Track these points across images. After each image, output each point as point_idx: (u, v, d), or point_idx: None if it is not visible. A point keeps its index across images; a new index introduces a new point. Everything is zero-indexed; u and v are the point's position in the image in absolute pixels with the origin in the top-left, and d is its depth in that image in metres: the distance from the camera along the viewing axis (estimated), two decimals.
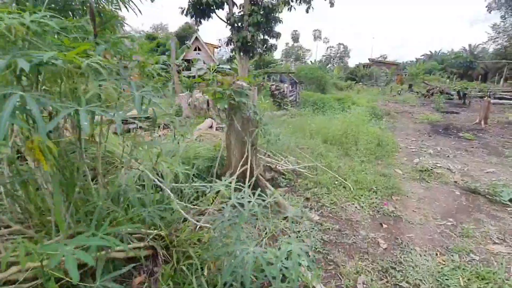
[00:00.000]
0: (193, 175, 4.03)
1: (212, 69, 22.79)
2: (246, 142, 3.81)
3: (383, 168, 5.38)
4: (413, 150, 6.94)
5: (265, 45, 14.59)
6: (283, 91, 12.12)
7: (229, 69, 21.88)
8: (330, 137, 7.09)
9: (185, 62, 27.22)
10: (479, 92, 25.34)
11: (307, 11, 13.75)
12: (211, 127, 8.75)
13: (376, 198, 3.94)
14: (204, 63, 26.73)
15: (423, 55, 69.53)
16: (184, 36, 42.64)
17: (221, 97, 3.67)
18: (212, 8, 12.90)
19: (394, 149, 6.84)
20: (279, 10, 12.76)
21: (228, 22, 13.06)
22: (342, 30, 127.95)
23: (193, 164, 4.18)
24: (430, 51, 69.46)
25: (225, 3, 13.03)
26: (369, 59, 46.70)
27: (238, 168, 3.85)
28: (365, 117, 10.06)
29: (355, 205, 3.73)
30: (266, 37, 14.57)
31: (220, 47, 39.50)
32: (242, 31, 12.62)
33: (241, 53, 13.97)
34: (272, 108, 12.71)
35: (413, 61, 65.17)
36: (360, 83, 36.49)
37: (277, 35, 14.72)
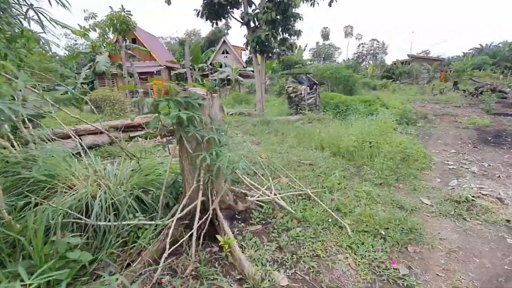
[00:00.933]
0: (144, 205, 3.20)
1: (235, 71, 22.15)
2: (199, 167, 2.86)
3: (404, 195, 4.07)
4: (451, 166, 5.42)
5: (284, 45, 13.49)
6: (300, 94, 10.94)
7: (252, 71, 21.04)
8: (343, 149, 5.85)
9: (212, 66, 26.89)
10: None
11: (329, 5, 12.39)
12: None
13: (383, 249, 2.74)
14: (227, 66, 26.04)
15: (471, 49, 62.52)
16: (214, 40, 42.85)
17: (167, 110, 2.77)
18: (226, 8, 12.14)
19: (425, 165, 5.40)
20: (296, 5, 11.58)
21: (243, 21, 12.19)
22: (377, 26, 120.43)
23: (147, 191, 3.35)
24: (481, 45, 62.12)
25: (241, 2, 12.21)
26: (408, 55, 42.91)
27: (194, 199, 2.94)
28: (393, 122, 8.56)
29: (348, 261, 2.59)
30: (285, 35, 13.48)
31: (247, 48, 38.89)
32: (257, 30, 11.67)
33: (257, 54, 13.02)
34: (288, 112, 11.55)
35: (459, 56, 59.02)
36: (397, 82, 33.48)
37: (297, 33, 13.54)
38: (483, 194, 4.01)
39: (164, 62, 25.81)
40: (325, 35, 53.44)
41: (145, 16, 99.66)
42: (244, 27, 12.46)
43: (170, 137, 3.88)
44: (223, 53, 36.35)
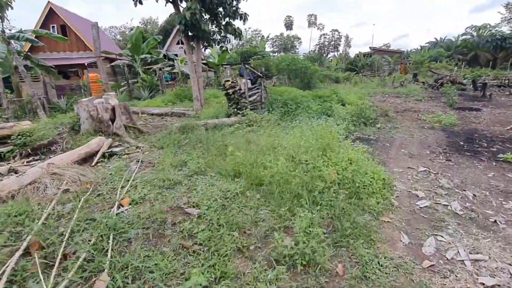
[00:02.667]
0: None
1: (181, 63, 19.36)
2: None
3: None
4: (422, 203, 3.50)
5: (227, 30, 11.13)
6: (240, 89, 8.76)
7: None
8: (265, 177, 3.74)
9: (162, 58, 23.71)
10: (494, 80, 21.45)
11: None
12: (97, 152, 5.46)
13: None
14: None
15: (428, 42, 64.37)
16: (170, 29, 39.17)
17: None
18: None
19: (385, 202, 3.44)
20: None
21: None
22: (341, 17, 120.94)
23: None
24: (435, 38, 64.14)
25: None
26: (370, 47, 42.51)
27: None
28: (345, 126, 6.70)
29: None
30: (227, 19, 11.13)
31: None
32: (184, 10, 9.18)
33: (190, 42, 10.56)
34: (228, 113, 9.29)
35: (418, 49, 60.44)
36: (359, 74, 32.59)
37: (242, 17, 11.25)
38: (479, 270, 2.07)
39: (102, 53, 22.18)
40: (289, 24, 51.06)
41: (99, 5, 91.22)
42: (170, 6, 9.91)
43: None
44: (178, 43, 33.07)
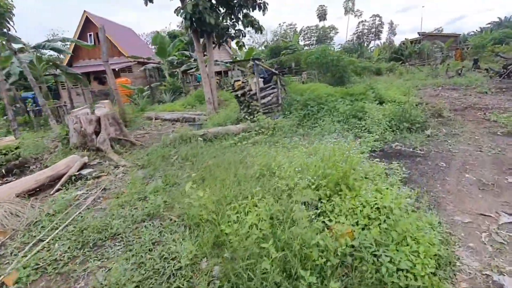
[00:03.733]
0: None
1: None
2: None
3: None
4: None
5: (242, 22, 9.74)
6: (250, 91, 7.33)
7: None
8: (228, 234, 2.31)
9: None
10: None
11: None
12: (64, 174, 4.51)
13: None
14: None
15: (489, 23, 55.32)
16: None
17: None
18: None
19: None
20: None
21: None
22: (386, 3, 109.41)
23: None
24: (499, 18, 54.85)
25: None
26: (418, 33, 37.59)
27: None
28: (380, 134, 4.92)
29: None
30: (243, 10, 9.76)
31: None
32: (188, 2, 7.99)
33: (201, 38, 9.38)
34: (239, 118, 7.91)
35: (477, 31, 52.47)
36: (406, 64, 28.78)
37: (261, 6, 9.77)
38: None
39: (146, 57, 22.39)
40: (322, 15, 47.00)
41: (144, 12, 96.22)
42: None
43: None
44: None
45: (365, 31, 45.74)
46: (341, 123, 6.66)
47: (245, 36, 9.94)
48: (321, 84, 11.75)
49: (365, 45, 41.35)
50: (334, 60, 12.74)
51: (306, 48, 30.69)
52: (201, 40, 9.60)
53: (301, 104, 7.48)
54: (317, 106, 7.29)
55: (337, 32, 46.91)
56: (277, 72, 7.68)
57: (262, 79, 7.58)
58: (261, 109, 7.38)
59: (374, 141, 5.18)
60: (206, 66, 9.78)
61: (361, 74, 20.67)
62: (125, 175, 4.78)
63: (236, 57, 20.74)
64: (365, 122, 6.21)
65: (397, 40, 45.59)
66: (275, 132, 6.52)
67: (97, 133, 5.78)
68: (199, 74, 25.81)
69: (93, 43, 22.51)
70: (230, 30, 9.77)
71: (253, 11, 9.97)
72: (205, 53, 10.53)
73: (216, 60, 24.90)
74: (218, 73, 21.23)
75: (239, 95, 7.54)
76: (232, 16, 9.83)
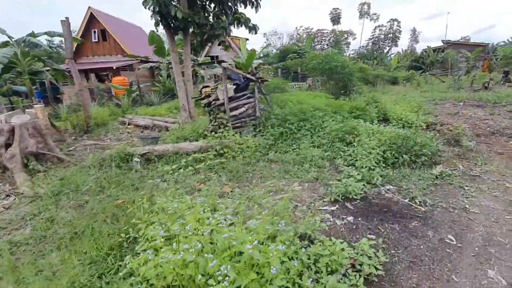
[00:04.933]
0: None
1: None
2: None
3: None
4: None
5: (226, 18, 8.41)
6: (217, 100, 5.94)
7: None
8: None
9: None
10: None
11: None
12: None
13: None
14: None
15: None
16: None
17: None
18: None
19: None
20: None
21: None
22: (410, 10, 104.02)
23: None
24: None
25: None
26: (442, 41, 34.83)
27: None
28: (366, 171, 3.38)
29: None
30: (235, 7, 8.47)
31: (247, 40, 33.74)
32: None
33: (177, 34, 8.11)
34: (209, 130, 6.51)
35: (509, 41, 48.50)
36: (426, 73, 26.46)
37: (255, 2, 8.44)
38: None
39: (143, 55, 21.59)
40: (335, 18, 44.22)
41: None
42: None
43: None
44: (219, 44, 31.45)
45: (382, 36, 42.69)
46: (324, 147, 5.14)
47: (228, 34, 8.58)
48: (319, 94, 10.22)
49: (383, 51, 38.70)
50: (338, 66, 11.12)
51: (318, 52, 28.85)
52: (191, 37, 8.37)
53: (280, 119, 5.99)
54: (299, 122, 5.78)
55: (355, 38, 44.43)
56: (254, 78, 6.24)
57: (235, 86, 6.17)
58: (230, 122, 5.97)
59: (358, 181, 3.64)
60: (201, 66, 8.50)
61: (374, 83, 18.82)
62: (9, 209, 3.52)
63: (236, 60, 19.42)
64: (353, 150, 4.66)
65: (420, 49, 42.61)
66: (240, 154, 5.10)
67: (8, 146, 4.58)
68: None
69: (96, 40, 21.99)
70: (217, 28, 8.44)
71: (245, 7, 8.69)
72: (207, 54, 9.29)
73: (223, 60, 23.69)
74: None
75: (204, 104, 6.17)
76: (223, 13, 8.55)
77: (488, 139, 5.75)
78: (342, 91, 11.37)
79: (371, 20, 44.36)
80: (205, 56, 31.66)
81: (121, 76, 18.32)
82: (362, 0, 44.39)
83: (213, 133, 6.01)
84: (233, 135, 5.66)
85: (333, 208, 3.16)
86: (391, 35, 42.35)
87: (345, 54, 30.47)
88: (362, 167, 3.96)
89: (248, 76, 6.23)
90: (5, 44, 12.02)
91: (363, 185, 3.57)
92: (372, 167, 4.01)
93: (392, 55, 39.77)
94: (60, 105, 11.72)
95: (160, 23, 7.39)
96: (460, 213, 3.00)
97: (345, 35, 40.75)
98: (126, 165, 4.74)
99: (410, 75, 23.79)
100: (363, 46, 41.99)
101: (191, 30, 8.42)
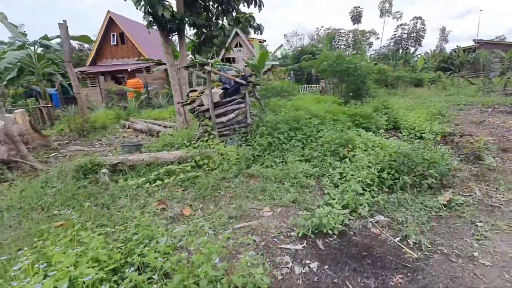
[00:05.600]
0: None
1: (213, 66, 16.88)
2: None
3: None
4: None
5: (227, 20, 7.94)
6: (201, 105, 5.44)
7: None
8: None
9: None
10: None
11: None
12: None
13: None
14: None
15: None
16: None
17: None
18: None
19: None
20: None
21: None
22: (440, 7, 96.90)
23: None
24: None
25: None
26: (474, 40, 32.17)
27: None
28: (351, 196, 2.68)
29: None
30: (233, 4, 7.99)
31: (264, 41, 33.21)
32: None
33: (167, 35, 7.73)
34: (197, 138, 6.03)
35: None
36: (455, 74, 24.47)
37: (258, 1, 7.94)
38: None
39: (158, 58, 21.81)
40: (356, 17, 41.92)
41: None
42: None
43: None
44: (236, 46, 31.34)
45: (404, 35, 39.87)
46: (315, 161, 4.47)
47: (226, 36, 8.08)
48: (327, 98, 9.49)
49: (406, 51, 36.24)
50: (350, 68, 10.26)
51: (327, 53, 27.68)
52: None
53: (270, 127, 5.38)
54: (290, 132, 5.14)
55: (378, 38, 42.00)
56: (245, 82, 5.68)
57: (223, 91, 5.65)
58: (216, 130, 5.45)
59: (341, 209, 2.96)
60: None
61: (395, 85, 17.55)
62: None
63: (249, 61, 18.91)
64: (345, 166, 3.95)
65: (450, 49, 39.64)
66: (220, 166, 4.58)
67: None
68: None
69: (115, 43, 22.46)
70: (213, 28, 7.99)
71: (248, 7, 8.18)
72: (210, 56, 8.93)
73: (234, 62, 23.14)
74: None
75: (191, 110, 5.70)
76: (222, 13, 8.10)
77: None
78: (354, 95, 10.50)
79: (393, 18, 41.88)
80: (222, 58, 31.59)
81: (136, 79, 18.47)
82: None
83: (200, 140, 5.56)
84: (217, 144, 5.15)
85: (298, 247, 2.52)
86: (414, 34, 39.59)
87: (365, 54, 28.96)
88: (348, 190, 3.27)
89: (237, 79, 5.68)
90: (21, 47, 12.36)
91: (345, 215, 2.89)
92: (362, 191, 3.30)
93: (418, 56, 37.41)
94: (69, 107, 11.84)
95: (155, 24, 7.08)
96: (465, 264, 2.25)
97: (367, 35, 38.81)
98: (94, 176, 4.37)
99: (436, 77, 22.04)
100: (384, 46, 39.72)
101: (193, 31, 8.05)
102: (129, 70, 18.62)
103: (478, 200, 3.30)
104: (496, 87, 14.28)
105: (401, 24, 40.63)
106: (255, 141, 5.18)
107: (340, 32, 31.68)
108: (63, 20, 7.81)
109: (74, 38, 13.59)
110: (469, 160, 4.62)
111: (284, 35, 49.28)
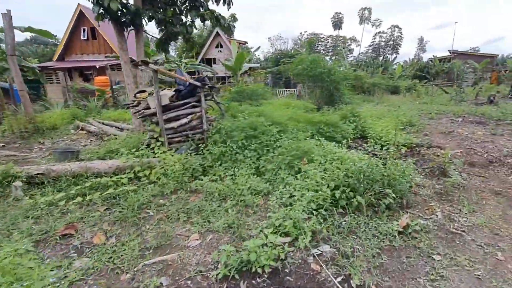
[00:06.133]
0: None
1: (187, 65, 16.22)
2: None
3: None
4: None
5: (189, 14, 7.36)
6: (147, 108, 4.89)
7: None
8: None
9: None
10: None
11: None
12: None
13: None
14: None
15: None
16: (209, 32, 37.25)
17: None
18: None
19: None
20: None
21: None
22: (419, 18, 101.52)
23: None
24: None
25: None
26: (449, 50, 33.34)
27: None
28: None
29: None
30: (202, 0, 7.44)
31: (246, 43, 32.86)
32: None
33: (124, 29, 7.08)
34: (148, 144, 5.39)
35: None
36: (430, 83, 25.07)
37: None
38: None
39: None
40: (337, 23, 42.47)
41: None
42: None
43: None
44: (216, 46, 30.77)
45: (382, 43, 40.79)
46: (268, 175, 3.98)
47: (189, 33, 7.50)
48: (299, 103, 9.09)
49: (386, 59, 37.03)
50: (324, 73, 9.97)
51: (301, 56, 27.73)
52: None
53: (225, 134, 4.86)
54: (245, 140, 4.63)
55: (359, 45, 42.73)
56: (199, 84, 5.14)
57: (176, 93, 5.08)
58: (165, 136, 4.86)
59: (281, 236, 2.48)
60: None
61: (371, 92, 17.57)
62: None
63: (225, 63, 18.37)
64: (296, 184, 3.48)
65: (427, 58, 40.79)
66: (160, 179, 3.99)
67: None
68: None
69: (86, 38, 21.24)
70: (174, 24, 7.38)
71: (217, 4, 7.67)
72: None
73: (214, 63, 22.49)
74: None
75: (135, 114, 5.08)
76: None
77: (484, 170, 4.52)
78: (327, 101, 10.21)
79: (372, 26, 42.77)
80: (202, 58, 30.80)
81: (104, 76, 17.43)
82: (363, 5, 42.76)
83: (147, 148, 4.95)
84: (163, 152, 4.56)
85: None
86: (391, 42, 40.55)
87: (343, 60, 29.18)
88: (292, 214, 2.78)
89: (191, 81, 5.12)
90: None
91: (282, 248, 2.40)
92: (308, 215, 2.83)
93: (397, 64, 38.35)
94: (21, 105, 10.78)
95: (107, 17, 6.39)
96: None
97: (348, 42, 39.32)
98: (6, 190, 3.66)
99: (412, 85, 22.44)
100: (362, 53, 40.40)
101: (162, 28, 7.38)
102: (97, 66, 17.55)
103: (439, 225, 2.92)
104: (468, 97, 14.54)
105: (379, 32, 41.65)
106: (207, 150, 4.64)
107: (319, 37, 31.85)
108: (7, 10, 6.96)
109: (32, 30, 12.52)
110: (434, 175, 4.30)
111: (268, 38, 49.18)
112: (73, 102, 12.73)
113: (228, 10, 8.08)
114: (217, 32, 29.31)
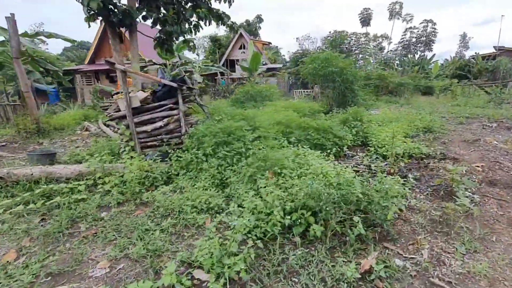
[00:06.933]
0: None
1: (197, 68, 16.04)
2: None
3: None
4: None
5: (185, 13, 7.07)
6: (118, 110, 4.60)
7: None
8: None
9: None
10: None
11: None
12: None
13: None
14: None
15: None
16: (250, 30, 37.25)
17: None
18: None
19: None
20: None
21: None
22: (462, 14, 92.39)
23: None
24: None
25: None
26: (494, 47, 29.80)
27: None
28: None
29: None
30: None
31: (270, 43, 32.31)
32: None
33: (117, 29, 6.96)
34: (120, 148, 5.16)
35: None
36: (470, 83, 22.54)
37: None
38: None
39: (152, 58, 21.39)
40: (366, 19, 39.53)
41: None
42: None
43: None
44: (240, 48, 30.65)
45: (413, 39, 37.14)
46: (230, 189, 3.46)
47: (184, 32, 7.18)
48: (305, 105, 8.38)
49: (422, 57, 33.88)
50: (335, 72, 9.14)
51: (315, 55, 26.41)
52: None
53: (197, 140, 4.42)
54: (214, 147, 4.14)
55: (391, 42, 39.71)
56: (175, 84, 4.76)
57: (151, 95, 4.75)
58: (136, 140, 4.56)
59: (206, 272, 1.96)
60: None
61: (399, 93, 16.10)
62: None
63: (241, 64, 17.97)
64: (252, 201, 2.91)
65: (469, 56, 36.74)
66: (116, 187, 3.67)
67: None
68: (223, 80, 23.74)
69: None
70: (169, 23, 7.12)
71: (220, 2, 7.37)
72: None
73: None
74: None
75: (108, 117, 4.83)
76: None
77: (507, 192, 3.56)
78: (340, 102, 9.37)
79: (403, 21, 39.43)
80: (226, 59, 30.87)
81: (129, 78, 18.01)
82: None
83: (122, 153, 4.69)
84: (132, 157, 4.25)
85: None
86: (424, 38, 36.94)
87: (370, 59, 27.36)
88: (212, 248, 2.23)
89: (166, 82, 4.76)
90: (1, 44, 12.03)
91: None
92: (238, 249, 2.27)
93: (434, 62, 35.21)
94: (42, 106, 11.37)
95: (98, 18, 6.29)
96: None
97: (379, 39, 36.86)
98: None
99: (447, 85, 20.32)
100: (391, 50, 37.30)
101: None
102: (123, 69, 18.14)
103: (420, 270, 2.19)
104: (509, 98, 12.64)
105: (410, 27, 38.18)
106: (175, 156, 4.24)
107: (344, 35, 30.10)
108: (11, 14, 7.21)
109: (55, 36, 13.22)
110: (438, 196, 3.46)
111: (296, 38, 47.97)
112: (92, 102, 13.20)
113: (229, 7, 7.74)
114: (241, 33, 29.16)
